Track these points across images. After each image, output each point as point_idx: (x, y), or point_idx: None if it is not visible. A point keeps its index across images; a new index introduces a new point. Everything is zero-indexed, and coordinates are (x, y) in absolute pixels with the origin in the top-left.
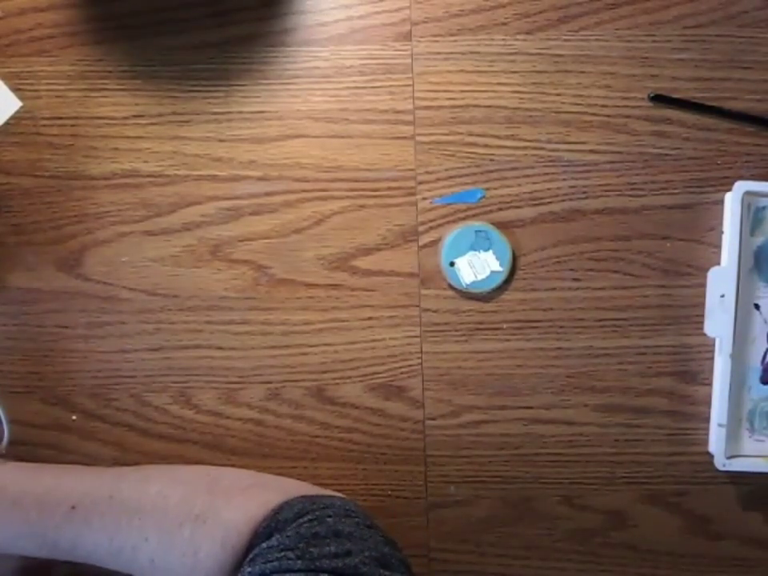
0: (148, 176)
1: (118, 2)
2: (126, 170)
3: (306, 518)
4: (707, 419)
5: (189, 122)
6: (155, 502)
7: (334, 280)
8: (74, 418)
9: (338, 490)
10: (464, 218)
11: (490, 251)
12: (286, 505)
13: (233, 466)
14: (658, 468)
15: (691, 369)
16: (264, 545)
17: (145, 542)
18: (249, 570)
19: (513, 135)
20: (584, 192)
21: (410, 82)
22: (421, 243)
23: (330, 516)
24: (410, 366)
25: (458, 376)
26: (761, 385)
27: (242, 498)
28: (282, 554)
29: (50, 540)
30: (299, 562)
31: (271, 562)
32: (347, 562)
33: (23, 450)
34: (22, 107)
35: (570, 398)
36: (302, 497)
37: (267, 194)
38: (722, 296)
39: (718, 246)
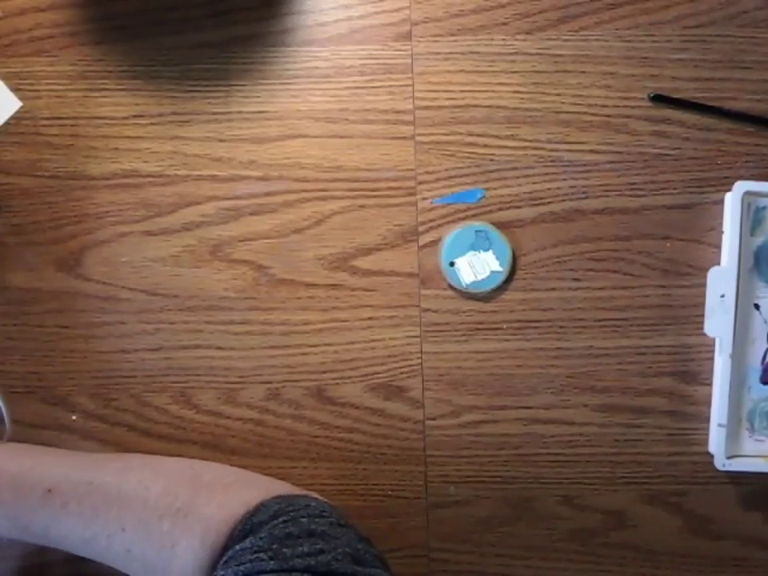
0: (148, 176)
1: (117, 2)
2: (126, 170)
3: (280, 520)
4: (707, 419)
5: (189, 122)
6: (136, 492)
7: (334, 280)
8: (73, 418)
9: (338, 490)
10: (464, 218)
11: (490, 251)
12: (261, 506)
13: (233, 466)
14: (657, 468)
15: (691, 369)
16: (237, 547)
17: (121, 532)
18: (222, 573)
19: (513, 135)
20: (584, 192)
21: (410, 82)
22: (421, 243)
23: (304, 517)
24: (410, 365)
25: (458, 376)
26: (761, 385)
27: (224, 496)
28: (255, 555)
29: (22, 522)
30: (272, 562)
31: (244, 564)
32: (320, 560)
33: None
34: (21, 107)
35: (569, 398)
36: (278, 497)
37: (267, 194)
38: (722, 296)
39: (718, 246)
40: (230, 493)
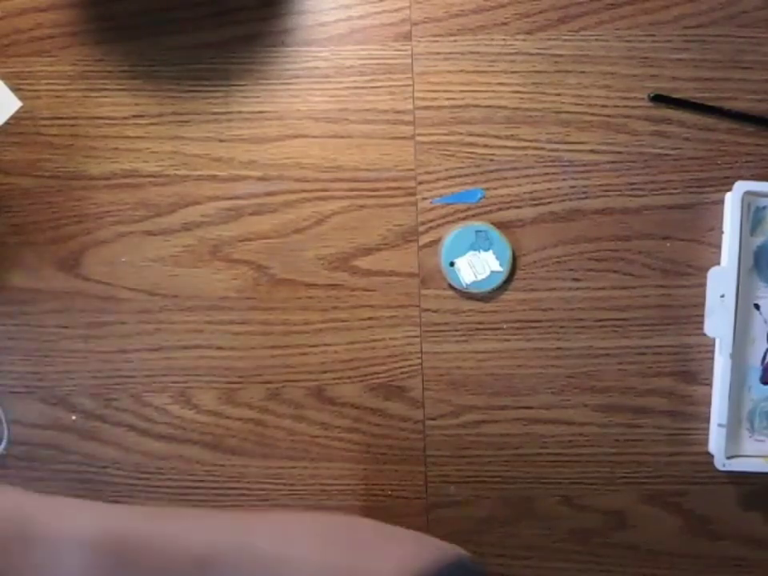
0: (148, 176)
1: (118, 2)
2: (126, 170)
3: None
4: (707, 419)
5: (189, 122)
6: (294, 554)
7: (334, 280)
8: (74, 418)
9: (338, 490)
10: (464, 218)
11: (490, 251)
12: (445, 567)
13: (233, 466)
14: (657, 468)
15: (691, 369)
16: None
17: None
18: None
19: (513, 135)
20: (584, 192)
21: (410, 82)
22: (421, 243)
23: None
24: (410, 365)
25: (458, 376)
26: (761, 385)
27: (388, 552)
28: None
29: None
30: None
31: None
32: None
33: (23, 450)
34: (21, 107)
35: (569, 398)
36: (456, 562)
37: (267, 194)
38: (722, 296)
39: (718, 246)
40: (393, 548)
